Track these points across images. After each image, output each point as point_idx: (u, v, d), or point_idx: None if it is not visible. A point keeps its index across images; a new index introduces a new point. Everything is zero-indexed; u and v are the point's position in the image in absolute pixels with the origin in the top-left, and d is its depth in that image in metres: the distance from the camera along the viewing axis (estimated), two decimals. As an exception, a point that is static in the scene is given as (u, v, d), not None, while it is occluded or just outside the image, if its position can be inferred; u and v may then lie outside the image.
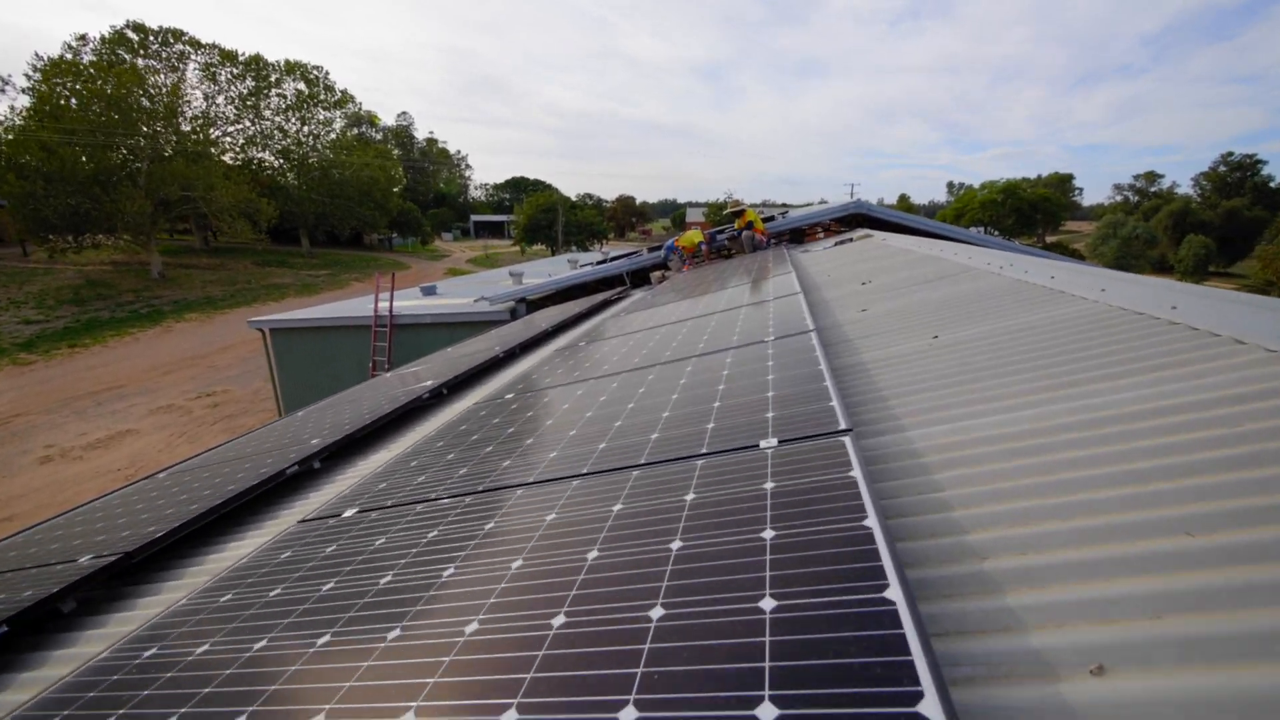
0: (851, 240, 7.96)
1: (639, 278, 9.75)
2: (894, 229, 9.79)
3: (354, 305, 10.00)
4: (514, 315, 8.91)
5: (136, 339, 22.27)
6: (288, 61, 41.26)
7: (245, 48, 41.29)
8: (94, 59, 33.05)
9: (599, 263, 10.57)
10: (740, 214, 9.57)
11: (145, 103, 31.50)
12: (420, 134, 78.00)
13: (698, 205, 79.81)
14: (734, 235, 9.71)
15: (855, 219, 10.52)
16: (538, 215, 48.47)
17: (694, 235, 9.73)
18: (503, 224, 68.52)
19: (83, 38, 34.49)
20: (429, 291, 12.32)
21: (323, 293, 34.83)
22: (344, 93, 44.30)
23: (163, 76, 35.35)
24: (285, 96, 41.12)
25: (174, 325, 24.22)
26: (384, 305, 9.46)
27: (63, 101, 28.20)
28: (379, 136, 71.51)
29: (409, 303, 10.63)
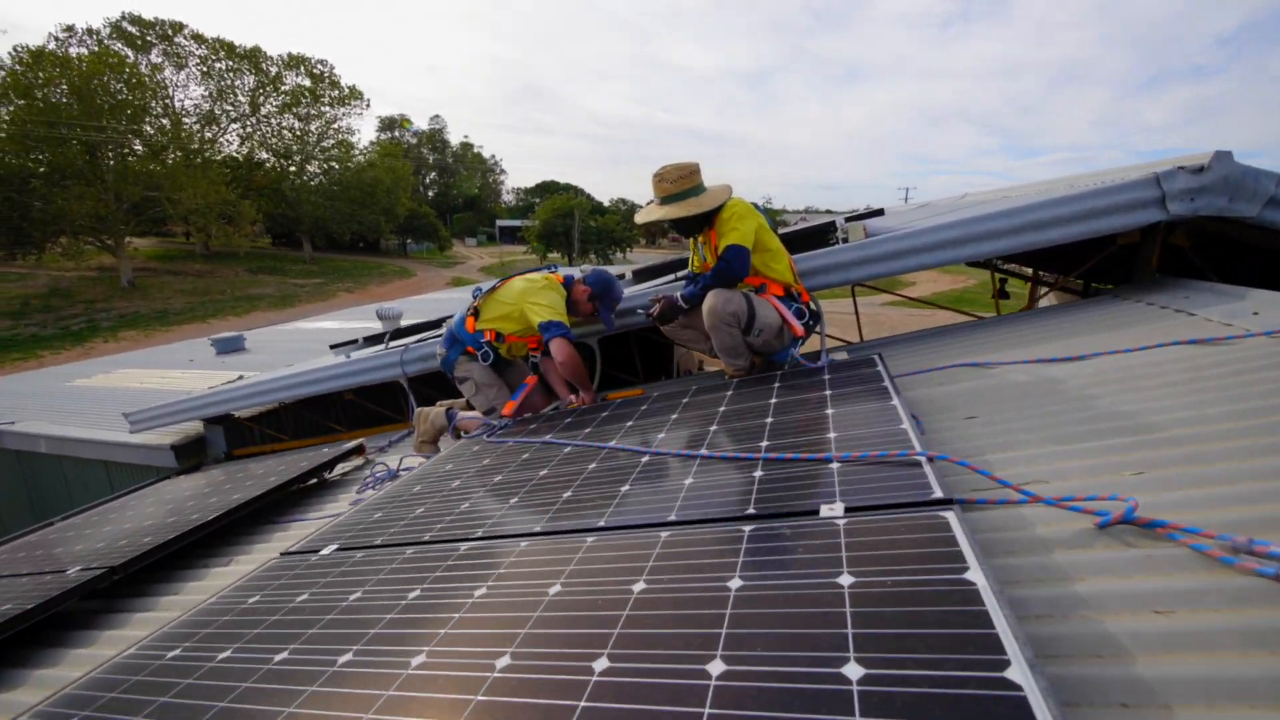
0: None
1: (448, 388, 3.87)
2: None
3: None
4: (196, 451, 4.44)
5: (41, 361, 19.11)
6: (290, 55, 38.66)
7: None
8: (85, 53, 30.93)
9: (380, 344, 4.75)
10: (706, 217, 2.67)
11: (124, 94, 29.05)
12: (460, 139, 76.04)
13: (736, 211, 74.50)
14: (683, 292, 2.70)
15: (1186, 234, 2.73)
16: (553, 220, 44.43)
17: (537, 305, 2.92)
18: (521, 229, 65.25)
19: (69, 29, 32.54)
20: (231, 348, 7.77)
21: (301, 305, 31.53)
22: (351, 88, 41.43)
23: (163, 73, 33.20)
24: (286, 92, 38.48)
25: (98, 345, 21.06)
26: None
27: (29, 94, 25.81)
28: (413, 140, 69.70)
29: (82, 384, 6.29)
